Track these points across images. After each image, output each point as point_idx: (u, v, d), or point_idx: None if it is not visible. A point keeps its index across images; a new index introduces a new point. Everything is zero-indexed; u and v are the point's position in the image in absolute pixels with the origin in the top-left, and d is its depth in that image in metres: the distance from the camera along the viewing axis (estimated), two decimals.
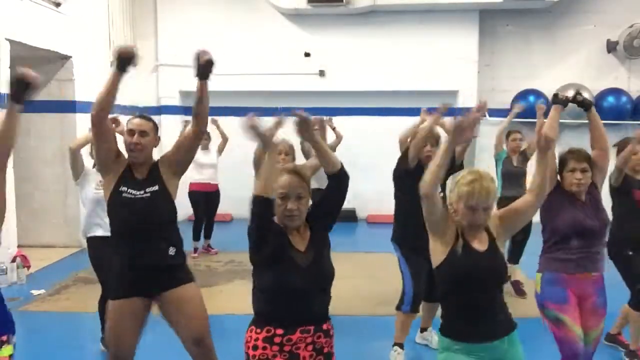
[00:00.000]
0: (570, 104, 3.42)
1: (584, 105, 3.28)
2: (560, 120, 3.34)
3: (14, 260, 6.18)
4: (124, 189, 2.92)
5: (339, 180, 2.33)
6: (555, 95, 3.31)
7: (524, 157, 5.63)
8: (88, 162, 4.19)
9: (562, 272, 3.08)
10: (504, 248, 2.49)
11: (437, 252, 2.40)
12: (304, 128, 2.23)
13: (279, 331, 2.22)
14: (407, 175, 3.90)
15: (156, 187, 2.95)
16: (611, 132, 3.36)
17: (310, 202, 2.36)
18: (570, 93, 3.34)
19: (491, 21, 9.71)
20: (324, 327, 2.31)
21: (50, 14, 7.24)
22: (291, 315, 2.23)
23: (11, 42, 6.35)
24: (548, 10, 9.58)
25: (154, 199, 2.93)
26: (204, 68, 2.90)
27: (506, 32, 9.85)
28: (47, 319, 5.10)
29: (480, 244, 2.38)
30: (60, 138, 7.70)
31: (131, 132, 2.97)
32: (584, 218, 3.07)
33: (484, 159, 8.17)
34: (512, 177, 5.53)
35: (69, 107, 7.76)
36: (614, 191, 3.89)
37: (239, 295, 4.97)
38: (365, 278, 6.10)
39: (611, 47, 9.60)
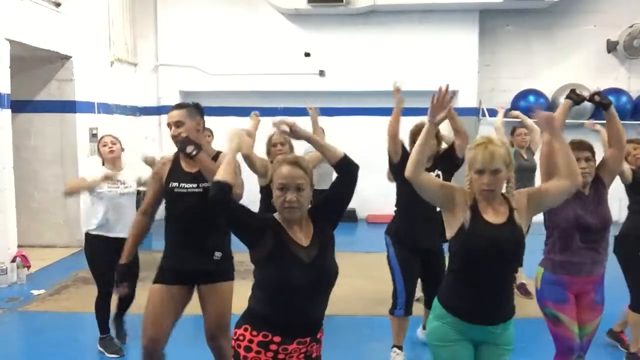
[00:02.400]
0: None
1: (603, 104, 3.13)
2: None
3: (14, 260, 6.19)
4: (175, 184, 3.01)
5: (344, 169, 2.29)
6: (573, 91, 3.16)
7: (531, 151, 5.66)
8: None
9: (564, 275, 3.06)
10: (527, 226, 2.43)
11: (450, 226, 2.41)
12: (291, 131, 2.30)
13: (276, 339, 2.12)
14: (395, 170, 3.96)
15: None
16: None
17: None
18: (585, 93, 3.25)
19: (491, 21, 9.71)
20: (318, 335, 2.26)
21: (50, 14, 7.23)
22: (290, 322, 2.14)
23: (11, 42, 6.34)
24: (548, 10, 9.58)
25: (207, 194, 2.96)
26: (182, 148, 2.92)
27: (506, 32, 9.85)
28: (47, 319, 5.10)
29: (496, 217, 2.36)
30: (60, 138, 7.71)
31: (169, 125, 3.04)
32: (585, 214, 3.04)
33: None
34: (525, 172, 5.50)
35: (69, 107, 7.74)
36: (627, 189, 3.87)
37: (239, 295, 4.93)
38: (365, 278, 6.08)
39: (611, 47, 9.60)
